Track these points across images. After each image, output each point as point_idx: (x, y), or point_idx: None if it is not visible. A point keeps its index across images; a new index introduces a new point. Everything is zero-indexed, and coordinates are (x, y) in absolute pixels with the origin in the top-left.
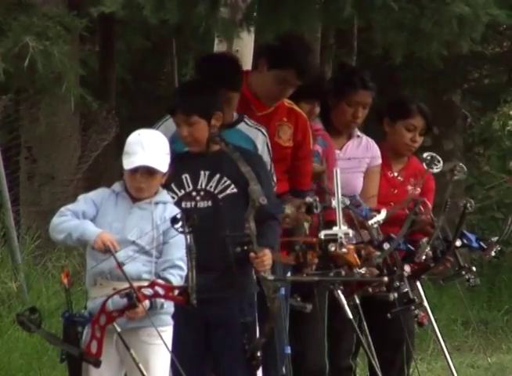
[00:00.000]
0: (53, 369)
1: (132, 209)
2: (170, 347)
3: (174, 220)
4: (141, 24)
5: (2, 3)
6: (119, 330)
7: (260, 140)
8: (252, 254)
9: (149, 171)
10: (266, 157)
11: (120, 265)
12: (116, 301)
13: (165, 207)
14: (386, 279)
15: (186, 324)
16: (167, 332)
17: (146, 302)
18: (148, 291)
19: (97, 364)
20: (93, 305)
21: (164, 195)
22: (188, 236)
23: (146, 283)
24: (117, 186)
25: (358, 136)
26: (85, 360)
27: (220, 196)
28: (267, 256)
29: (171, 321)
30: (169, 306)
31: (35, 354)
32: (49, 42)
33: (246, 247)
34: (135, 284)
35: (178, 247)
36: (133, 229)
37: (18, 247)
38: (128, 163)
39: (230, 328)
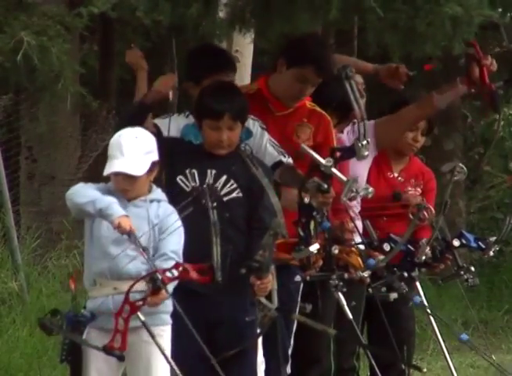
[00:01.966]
0: (53, 369)
1: (128, 208)
2: (169, 346)
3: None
4: (141, 24)
5: (2, 3)
6: (143, 318)
7: (249, 122)
8: (256, 281)
9: (129, 176)
10: (261, 130)
11: (144, 249)
12: (116, 300)
13: (159, 205)
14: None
15: (187, 324)
16: (167, 331)
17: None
18: (171, 274)
19: (121, 358)
20: (93, 305)
21: (159, 193)
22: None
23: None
24: (111, 185)
25: (354, 123)
26: (110, 354)
27: (225, 199)
28: (270, 282)
29: (170, 320)
30: (168, 305)
31: (35, 354)
32: (47, 38)
33: (251, 271)
34: (138, 283)
35: (173, 242)
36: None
37: (18, 247)
38: (108, 168)
39: (232, 327)
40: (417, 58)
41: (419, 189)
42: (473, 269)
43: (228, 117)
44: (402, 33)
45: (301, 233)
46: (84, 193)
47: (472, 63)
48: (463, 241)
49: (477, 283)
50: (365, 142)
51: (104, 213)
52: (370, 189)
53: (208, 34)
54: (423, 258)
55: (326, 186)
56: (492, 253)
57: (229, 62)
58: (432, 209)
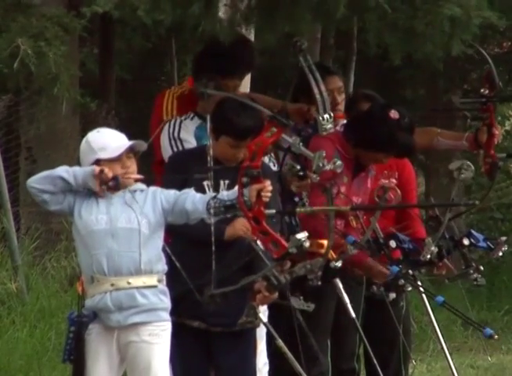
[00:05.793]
0: (53, 369)
1: (113, 199)
2: (169, 344)
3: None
4: (140, 24)
5: (1, 4)
6: None
7: None
8: (265, 291)
9: (131, 151)
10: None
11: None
12: (115, 297)
13: (143, 190)
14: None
15: (187, 327)
16: (167, 330)
17: None
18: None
19: None
20: (91, 303)
21: (140, 185)
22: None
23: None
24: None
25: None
26: None
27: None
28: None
29: (169, 317)
30: (165, 302)
31: (35, 354)
32: (44, 43)
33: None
34: (135, 279)
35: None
36: (121, 217)
37: (17, 247)
38: (113, 151)
39: (231, 329)
40: (419, 58)
41: (393, 180)
42: (482, 268)
43: (250, 139)
44: (401, 33)
45: (287, 220)
46: (53, 171)
47: (483, 127)
48: (472, 240)
49: (484, 283)
50: (326, 116)
51: (82, 172)
52: (338, 163)
53: (209, 33)
54: (429, 256)
55: (298, 167)
56: (500, 253)
57: (240, 66)
58: (397, 190)
